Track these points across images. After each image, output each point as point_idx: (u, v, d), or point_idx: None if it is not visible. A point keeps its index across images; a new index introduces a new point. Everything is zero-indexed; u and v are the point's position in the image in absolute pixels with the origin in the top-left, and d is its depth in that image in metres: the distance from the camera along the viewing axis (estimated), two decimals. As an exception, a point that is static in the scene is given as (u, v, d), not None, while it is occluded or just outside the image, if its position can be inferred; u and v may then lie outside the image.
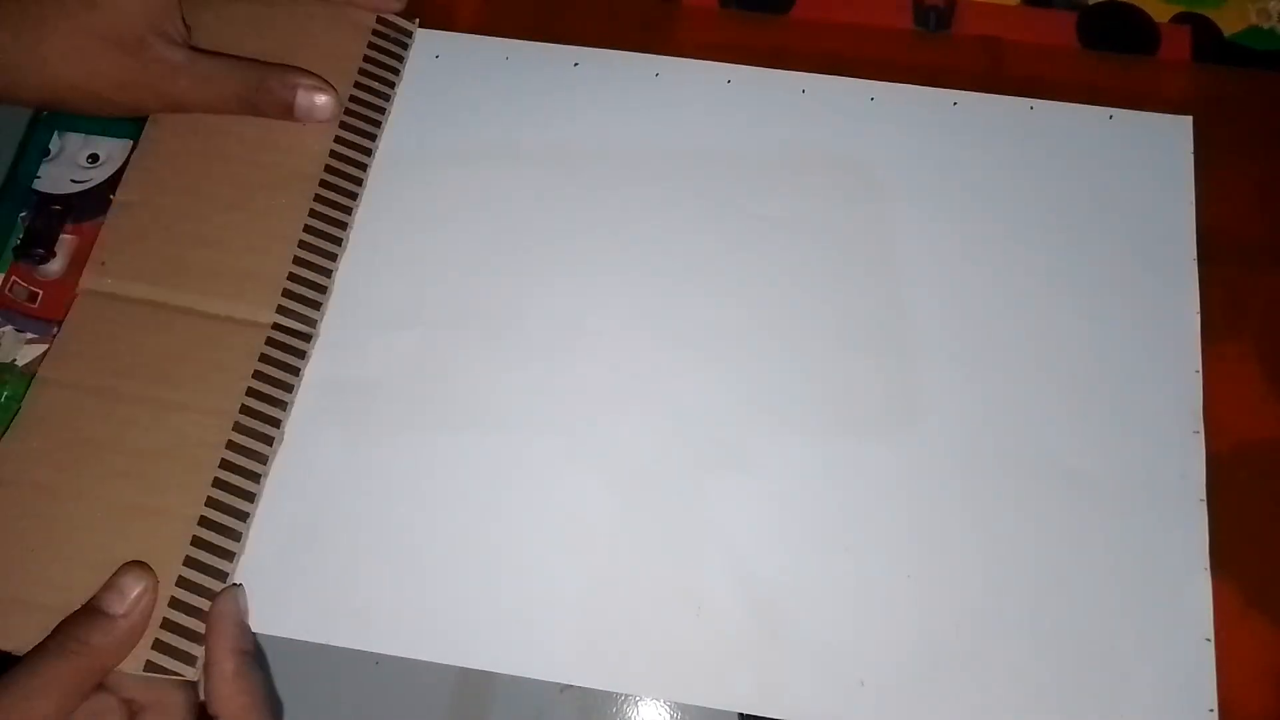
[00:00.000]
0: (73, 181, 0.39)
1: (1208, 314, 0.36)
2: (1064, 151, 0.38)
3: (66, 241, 0.38)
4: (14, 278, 0.38)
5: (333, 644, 0.33)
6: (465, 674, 0.33)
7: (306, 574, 0.33)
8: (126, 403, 0.34)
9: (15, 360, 0.36)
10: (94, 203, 0.38)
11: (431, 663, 0.32)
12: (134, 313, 0.36)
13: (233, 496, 0.33)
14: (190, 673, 0.31)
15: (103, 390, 0.34)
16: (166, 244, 0.36)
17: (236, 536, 0.33)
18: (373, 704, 0.33)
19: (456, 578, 0.33)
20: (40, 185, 0.39)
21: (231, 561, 0.33)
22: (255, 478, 0.34)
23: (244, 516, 0.33)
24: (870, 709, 0.32)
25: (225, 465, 0.33)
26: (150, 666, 0.31)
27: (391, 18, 0.41)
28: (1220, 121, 0.39)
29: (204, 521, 0.33)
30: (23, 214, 0.38)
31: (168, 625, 0.31)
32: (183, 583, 0.32)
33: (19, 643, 0.31)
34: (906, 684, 0.32)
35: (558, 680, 0.32)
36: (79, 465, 0.33)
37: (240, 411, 0.34)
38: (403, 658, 0.32)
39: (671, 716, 0.33)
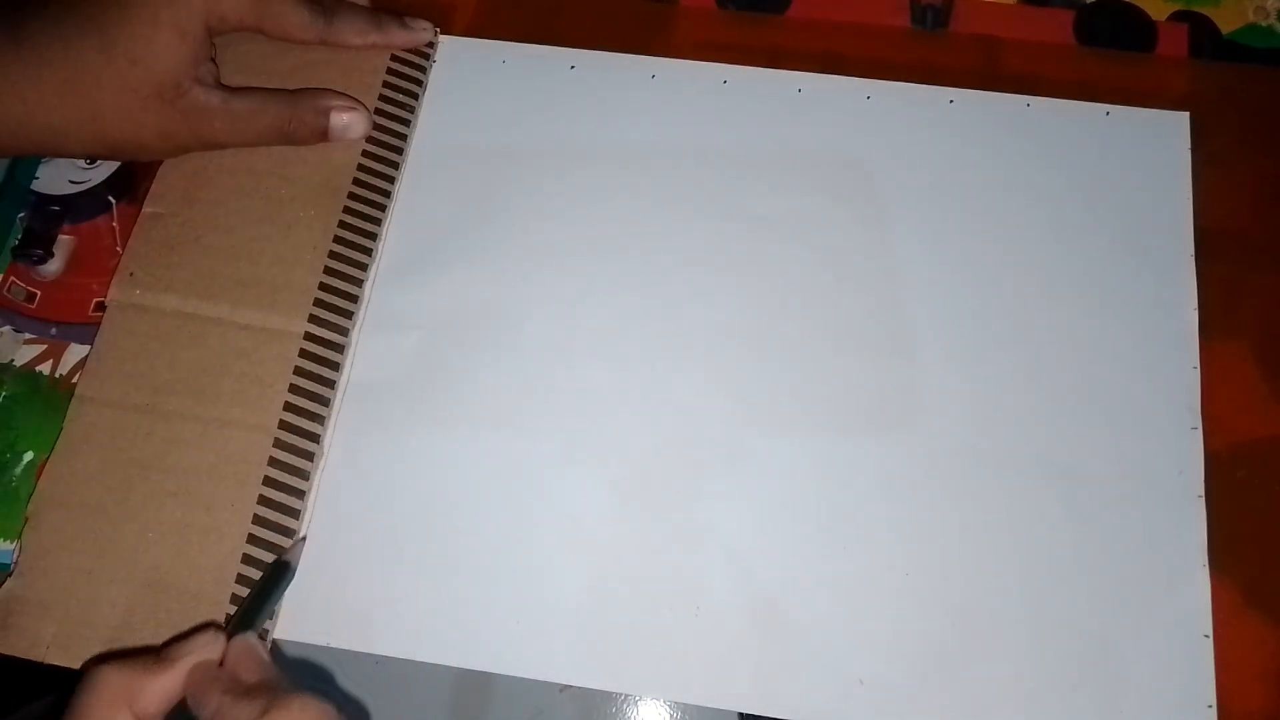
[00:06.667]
0: (71, 182, 0.39)
1: (1205, 310, 0.36)
2: (1061, 148, 0.38)
3: (64, 242, 0.38)
4: (12, 278, 0.38)
5: (333, 645, 0.33)
6: (464, 674, 0.33)
7: (305, 576, 0.33)
8: (169, 420, 0.34)
9: (13, 360, 0.37)
10: (92, 203, 0.38)
11: (431, 663, 0.32)
12: (166, 325, 0.35)
13: (280, 514, 0.33)
14: None
15: (144, 408, 0.34)
16: (196, 255, 0.36)
17: None
18: (373, 704, 0.33)
19: (456, 578, 0.33)
20: (38, 186, 0.39)
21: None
22: (300, 494, 0.34)
23: (291, 534, 0.33)
24: (869, 708, 0.32)
25: (269, 482, 0.33)
26: None
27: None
28: (1218, 119, 0.39)
29: (253, 539, 0.33)
30: (21, 214, 0.38)
31: None
32: (236, 600, 0.32)
33: (79, 662, 0.31)
34: (905, 682, 0.32)
35: (557, 680, 0.32)
36: (128, 486, 0.33)
37: (280, 427, 0.34)
38: (402, 658, 0.32)
39: (671, 716, 0.33)
